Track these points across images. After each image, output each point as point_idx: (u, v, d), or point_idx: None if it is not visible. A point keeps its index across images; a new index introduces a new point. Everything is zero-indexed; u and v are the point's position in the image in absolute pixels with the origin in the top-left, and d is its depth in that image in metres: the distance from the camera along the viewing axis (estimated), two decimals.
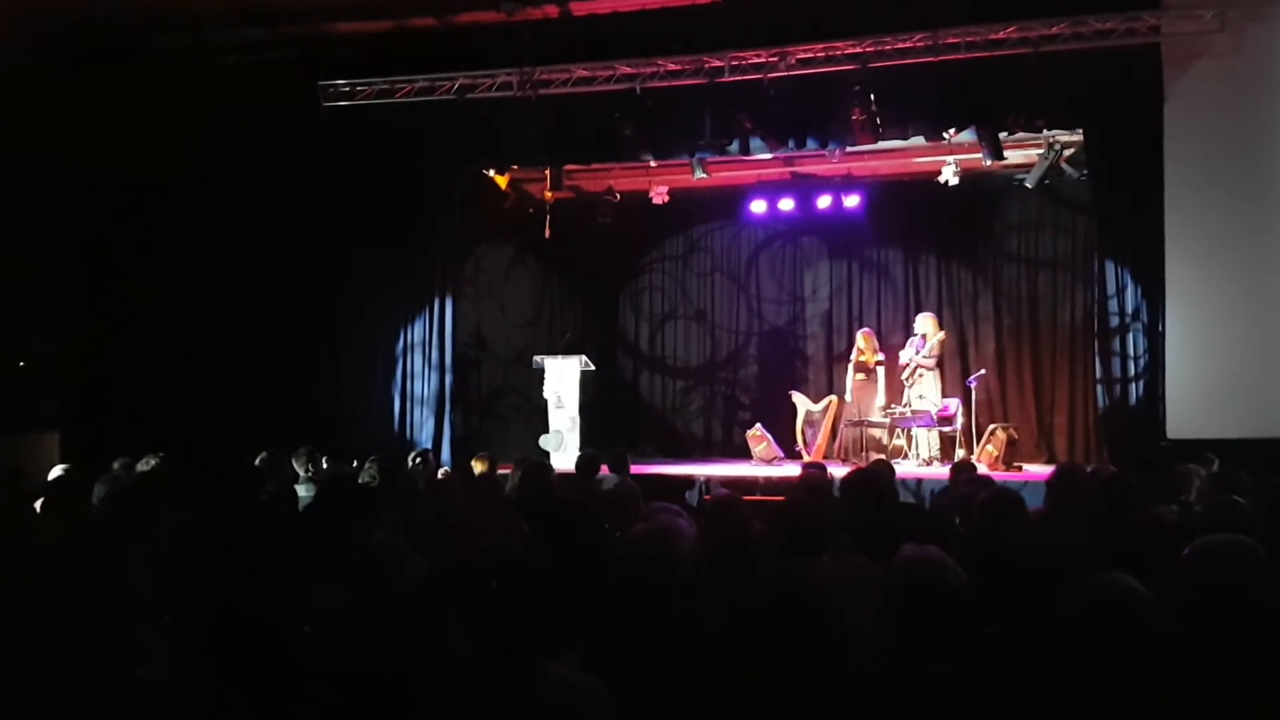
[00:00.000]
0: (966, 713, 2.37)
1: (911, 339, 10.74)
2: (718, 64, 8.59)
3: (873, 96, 8.35)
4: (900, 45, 8.22)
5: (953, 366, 11.14)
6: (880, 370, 10.86)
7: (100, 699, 2.94)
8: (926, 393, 10.32)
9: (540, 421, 10.94)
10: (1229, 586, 1.89)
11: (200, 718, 3.25)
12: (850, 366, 10.92)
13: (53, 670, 2.75)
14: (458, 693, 2.10)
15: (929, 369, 10.40)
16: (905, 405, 10.45)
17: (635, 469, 7.82)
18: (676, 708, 2.40)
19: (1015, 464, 9.64)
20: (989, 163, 9.43)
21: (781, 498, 5.60)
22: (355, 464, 7.08)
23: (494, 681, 2.13)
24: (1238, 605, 1.92)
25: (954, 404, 10.40)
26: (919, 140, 9.35)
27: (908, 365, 10.52)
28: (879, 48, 8.26)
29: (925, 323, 10.63)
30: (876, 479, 4.61)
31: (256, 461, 6.89)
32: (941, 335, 10.68)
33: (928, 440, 10.27)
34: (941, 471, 8.56)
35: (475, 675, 2.14)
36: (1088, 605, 1.86)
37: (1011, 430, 9.98)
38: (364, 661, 1.53)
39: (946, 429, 10.23)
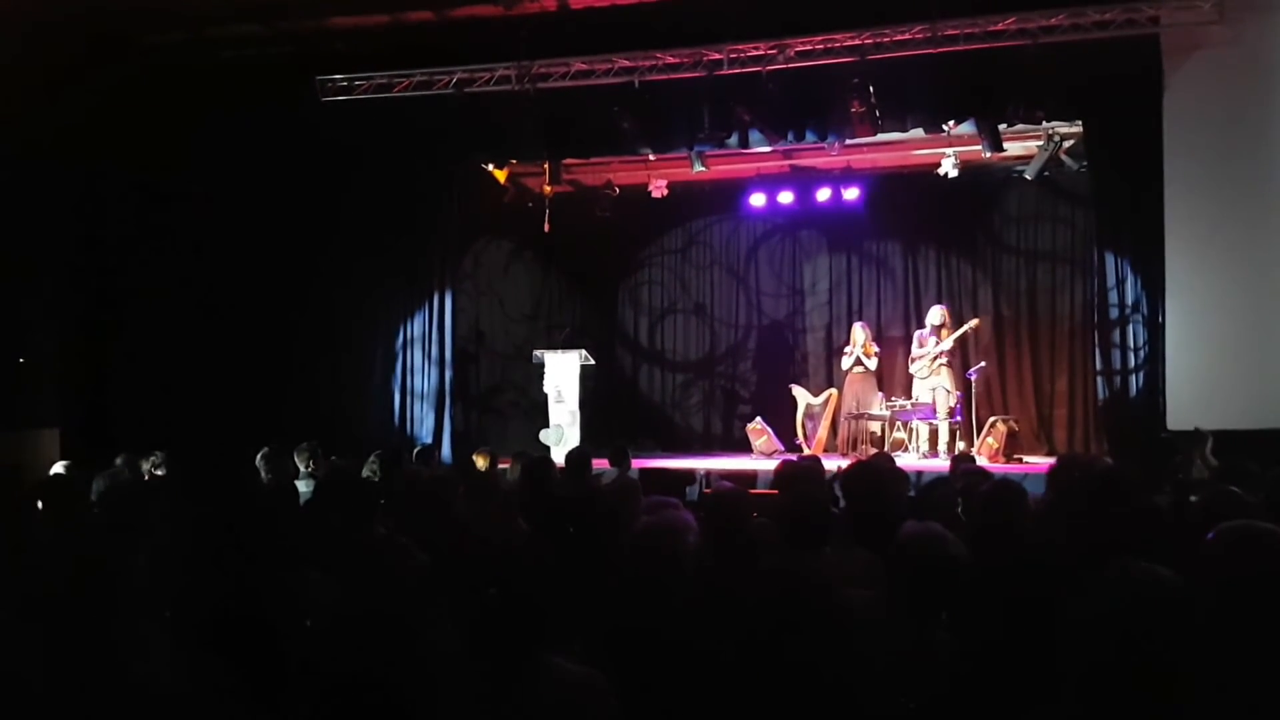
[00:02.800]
0: (968, 695, 2.38)
1: (919, 332, 10.71)
2: (716, 57, 8.58)
3: (872, 89, 8.34)
4: (899, 37, 8.21)
5: (955, 359, 11.13)
6: (874, 362, 10.84)
7: (99, 696, 2.93)
8: (945, 384, 10.28)
9: (540, 416, 10.94)
10: (1259, 572, 1.88)
11: (200, 714, 3.25)
12: (846, 359, 10.89)
13: (51, 667, 2.75)
14: (458, 687, 2.10)
15: (950, 360, 10.37)
16: (914, 397, 10.42)
17: (636, 462, 7.82)
18: (677, 700, 2.39)
19: (1015, 456, 9.64)
20: (988, 155, 9.42)
21: (775, 491, 5.59)
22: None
23: (494, 675, 2.13)
24: (1267, 591, 1.91)
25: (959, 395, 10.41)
26: (918, 132, 9.34)
27: (920, 357, 10.46)
28: (878, 40, 8.25)
29: (940, 315, 10.59)
30: (877, 472, 4.60)
31: (257, 457, 6.89)
32: (975, 323, 10.61)
33: (929, 433, 10.26)
34: (943, 464, 8.56)
35: (475, 669, 2.14)
36: (1123, 593, 1.86)
37: (1011, 422, 9.97)
38: (363, 656, 1.53)
39: (954, 419, 10.20)
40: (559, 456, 8.16)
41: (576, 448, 7.57)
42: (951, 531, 2.91)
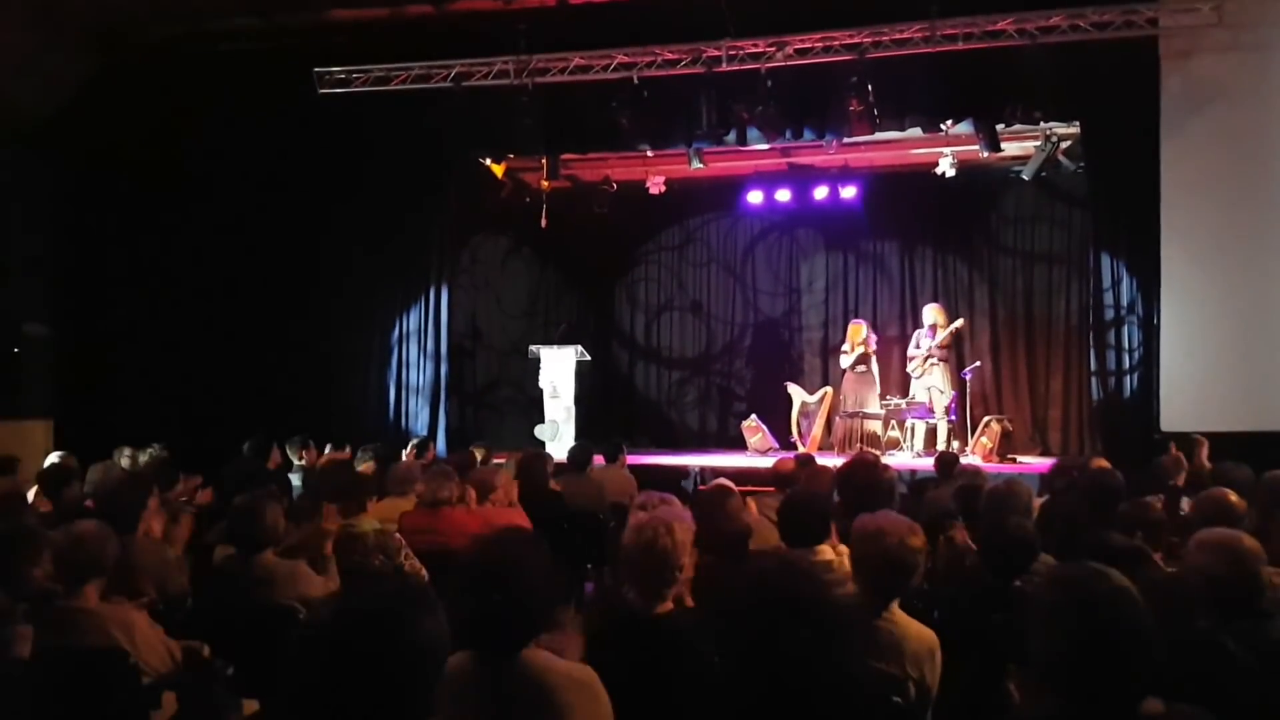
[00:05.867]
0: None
1: (918, 331, 10.74)
2: (715, 53, 8.56)
3: (870, 87, 8.32)
4: (898, 36, 8.20)
5: (951, 358, 11.14)
6: (874, 360, 10.87)
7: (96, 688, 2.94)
8: (937, 383, 10.30)
9: (535, 412, 10.94)
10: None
11: (196, 706, 3.26)
12: (845, 358, 10.90)
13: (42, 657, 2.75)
14: (451, 683, 2.10)
15: (943, 359, 10.40)
16: (910, 396, 10.45)
17: (631, 459, 7.83)
18: (671, 695, 2.40)
19: (1009, 456, 9.66)
20: (986, 155, 9.43)
21: (772, 489, 5.61)
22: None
23: (487, 671, 2.13)
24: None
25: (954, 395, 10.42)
26: (916, 132, 9.33)
27: (915, 356, 10.50)
28: (877, 38, 8.24)
29: (934, 314, 10.61)
30: (873, 470, 4.61)
31: (251, 449, 6.90)
32: (960, 323, 10.65)
33: (925, 431, 10.27)
34: None
35: (468, 665, 2.14)
36: (1071, 591, 1.89)
37: (1006, 422, 9.98)
38: (358, 650, 1.53)
39: (950, 419, 10.21)
40: (554, 452, 8.17)
41: (579, 443, 7.59)
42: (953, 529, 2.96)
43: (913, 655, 2.70)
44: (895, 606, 2.81)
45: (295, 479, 6.64)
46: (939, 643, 2.77)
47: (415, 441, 7.92)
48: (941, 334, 10.41)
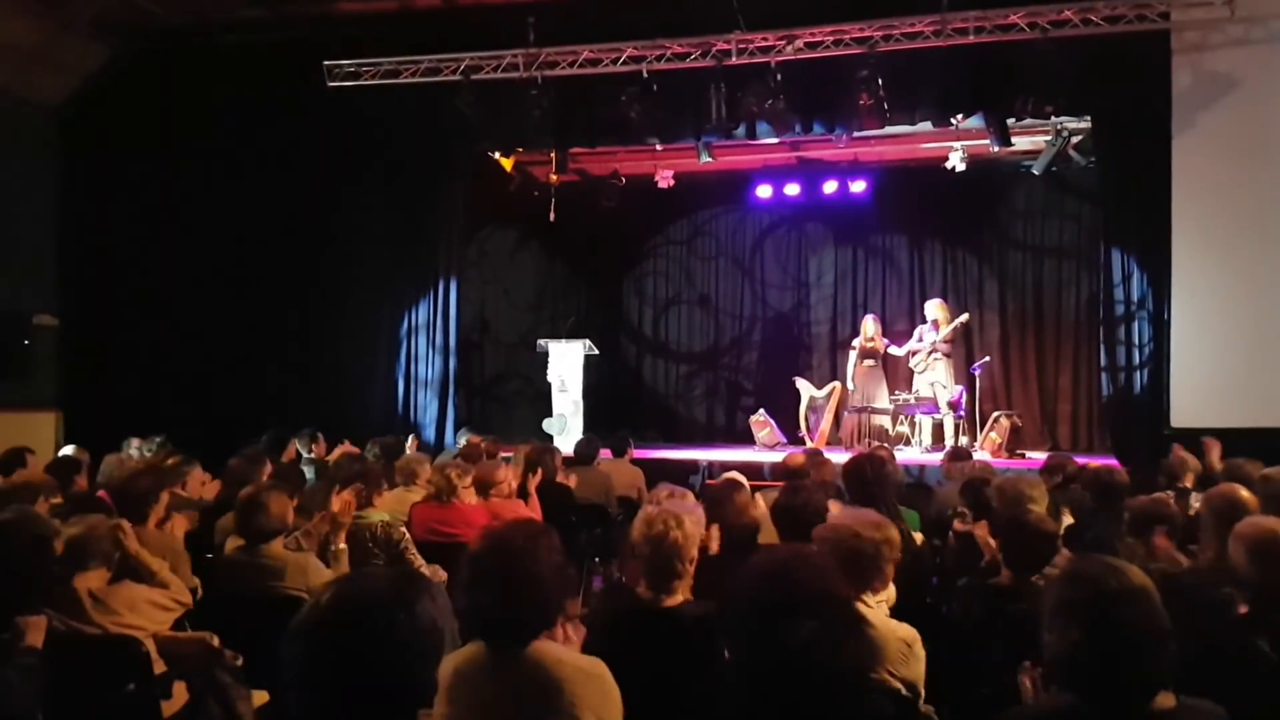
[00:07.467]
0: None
1: (920, 326, 10.71)
2: (725, 47, 8.54)
3: (880, 81, 8.29)
4: (908, 29, 8.17)
5: (957, 353, 11.11)
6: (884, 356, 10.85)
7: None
8: (940, 378, 10.27)
9: (543, 405, 10.95)
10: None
11: (207, 696, 3.27)
12: (854, 353, 10.89)
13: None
14: (462, 674, 2.11)
15: (946, 354, 10.37)
16: (914, 391, 10.43)
17: (638, 453, 7.84)
18: (683, 690, 2.40)
19: (1018, 451, 9.63)
20: (996, 149, 9.37)
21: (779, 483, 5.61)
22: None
23: (498, 663, 2.14)
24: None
25: (959, 390, 10.39)
26: (926, 126, 9.29)
27: (918, 351, 10.48)
28: (887, 32, 8.21)
29: (936, 309, 10.58)
30: (879, 465, 4.60)
31: (268, 442, 6.93)
32: (964, 317, 10.63)
33: (932, 427, 10.25)
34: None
35: (479, 657, 2.14)
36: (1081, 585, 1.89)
37: (1015, 418, 9.95)
38: (349, 638, 1.53)
39: (958, 414, 10.18)
40: (562, 446, 8.18)
41: (586, 437, 7.61)
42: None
43: (895, 657, 2.64)
44: (868, 602, 2.78)
45: (307, 471, 6.67)
46: (917, 635, 2.71)
47: (464, 431, 8.12)
48: (945, 329, 10.37)
